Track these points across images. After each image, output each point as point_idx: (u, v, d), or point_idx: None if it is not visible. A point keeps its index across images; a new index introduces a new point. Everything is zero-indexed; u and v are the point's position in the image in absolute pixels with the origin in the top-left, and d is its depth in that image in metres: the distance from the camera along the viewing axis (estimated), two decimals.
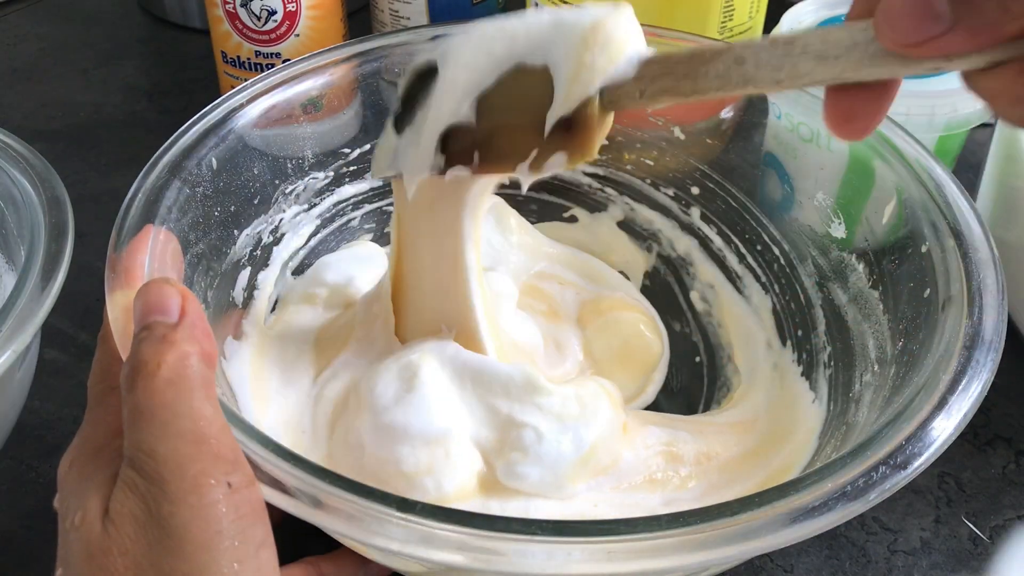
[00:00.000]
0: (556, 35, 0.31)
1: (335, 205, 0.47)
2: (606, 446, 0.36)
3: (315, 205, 0.47)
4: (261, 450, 0.28)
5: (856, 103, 0.26)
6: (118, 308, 0.31)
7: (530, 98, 0.31)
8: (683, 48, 0.29)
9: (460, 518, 0.26)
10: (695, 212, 0.48)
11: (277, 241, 0.45)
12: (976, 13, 0.22)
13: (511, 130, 0.32)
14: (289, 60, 0.50)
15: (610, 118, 0.31)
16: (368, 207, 0.49)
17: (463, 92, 0.33)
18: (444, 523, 0.26)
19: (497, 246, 0.47)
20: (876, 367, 0.36)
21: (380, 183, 0.48)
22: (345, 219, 0.48)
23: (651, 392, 0.44)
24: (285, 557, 0.38)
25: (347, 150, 0.47)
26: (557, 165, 0.31)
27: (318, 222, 0.47)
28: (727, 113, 0.47)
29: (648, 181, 0.49)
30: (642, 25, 0.46)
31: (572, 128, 0.31)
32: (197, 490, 0.26)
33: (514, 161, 0.32)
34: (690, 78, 0.28)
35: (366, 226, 0.49)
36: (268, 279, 0.44)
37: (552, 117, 0.31)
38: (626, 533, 0.25)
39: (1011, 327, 0.45)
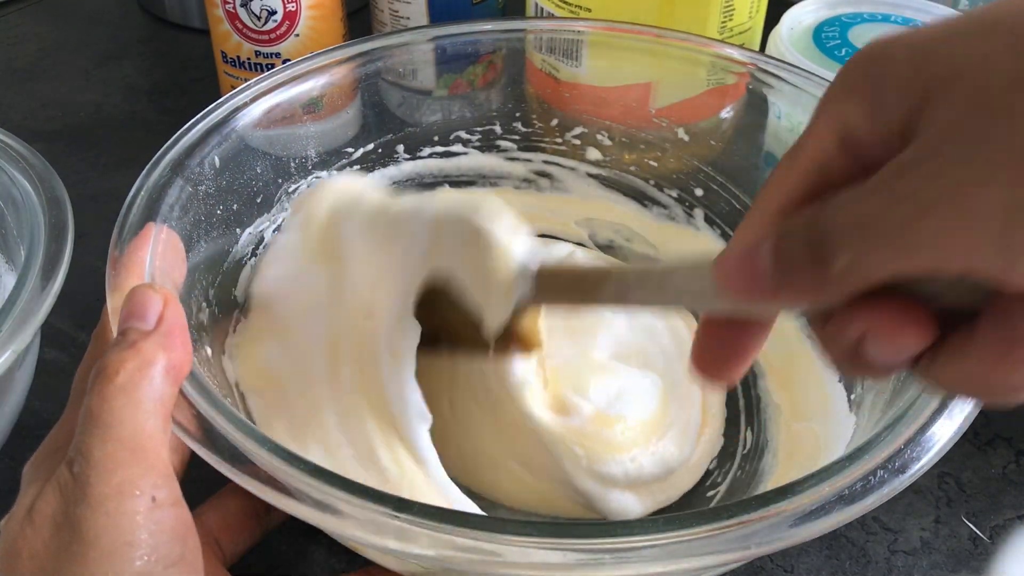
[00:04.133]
0: (452, 244, 0.35)
1: None
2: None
3: None
4: (260, 449, 0.28)
5: (725, 343, 0.27)
6: (118, 307, 0.31)
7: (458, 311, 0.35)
8: (565, 270, 0.34)
9: (457, 518, 0.26)
10: (699, 214, 0.48)
11: None
12: (794, 277, 0.22)
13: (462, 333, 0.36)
14: (289, 60, 0.50)
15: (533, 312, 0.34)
16: None
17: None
18: (441, 523, 0.25)
19: None
20: None
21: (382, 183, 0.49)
22: None
23: None
24: (288, 558, 0.38)
25: (350, 149, 0.47)
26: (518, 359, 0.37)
27: None
28: (727, 113, 0.47)
29: (652, 182, 0.49)
30: (642, 25, 0.46)
31: (510, 338, 0.34)
32: (118, 497, 0.25)
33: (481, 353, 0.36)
34: (579, 295, 0.31)
35: None
36: None
37: (491, 341, 0.34)
38: (622, 536, 0.25)
39: None
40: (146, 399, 0.27)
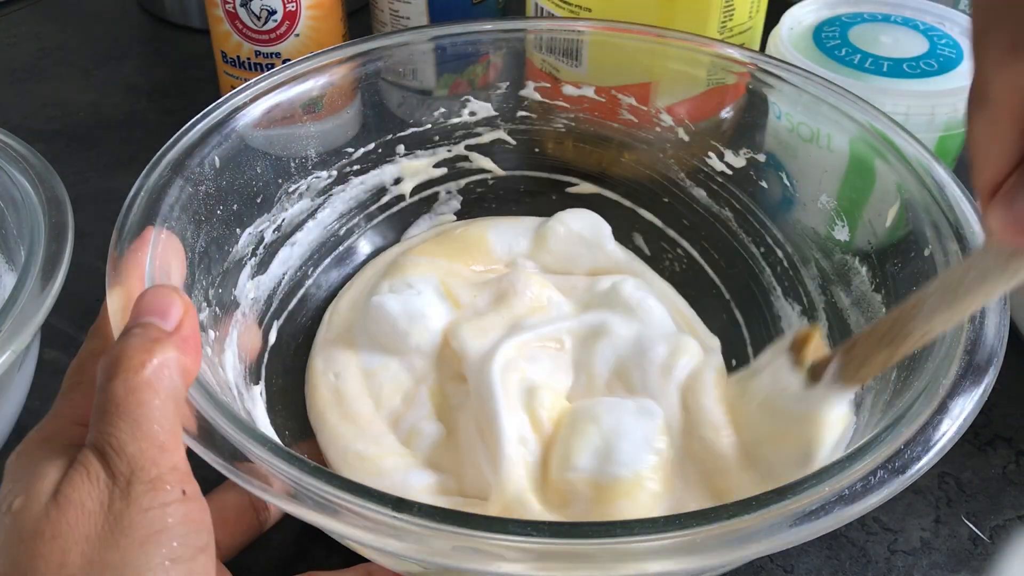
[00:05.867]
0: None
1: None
2: None
3: (319, 204, 0.47)
4: (259, 449, 0.28)
5: None
6: (117, 306, 0.31)
7: None
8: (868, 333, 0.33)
9: (455, 519, 0.26)
10: None
11: (282, 239, 0.45)
12: None
13: None
14: (289, 60, 0.50)
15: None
16: (372, 207, 0.49)
17: None
18: (439, 524, 0.25)
19: None
20: None
21: (387, 183, 0.49)
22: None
23: None
24: (287, 558, 0.38)
25: (350, 149, 0.47)
26: None
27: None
28: (727, 113, 0.47)
29: None
30: (642, 25, 0.46)
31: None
32: (152, 492, 0.26)
33: None
34: (887, 342, 0.31)
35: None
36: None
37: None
38: (621, 536, 0.25)
39: (1011, 327, 0.44)
40: (168, 395, 0.27)
